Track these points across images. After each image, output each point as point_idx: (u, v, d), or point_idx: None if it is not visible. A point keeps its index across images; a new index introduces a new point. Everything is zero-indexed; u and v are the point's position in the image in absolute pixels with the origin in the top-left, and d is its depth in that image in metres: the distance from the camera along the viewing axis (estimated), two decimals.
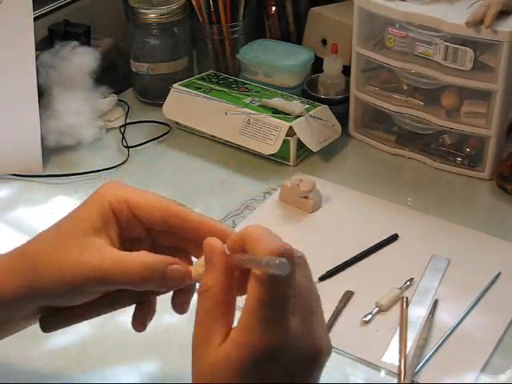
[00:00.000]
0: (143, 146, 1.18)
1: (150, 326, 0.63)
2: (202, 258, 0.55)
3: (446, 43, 1.03)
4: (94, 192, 0.59)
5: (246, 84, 1.22)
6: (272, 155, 1.12)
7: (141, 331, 0.62)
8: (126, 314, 0.63)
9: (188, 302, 0.61)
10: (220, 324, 0.52)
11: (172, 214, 0.59)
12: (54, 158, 1.13)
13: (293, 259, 0.50)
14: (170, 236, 0.60)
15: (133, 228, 0.60)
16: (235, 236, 0.54)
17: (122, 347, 0.82)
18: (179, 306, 0.61)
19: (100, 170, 1.10)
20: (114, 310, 0.62)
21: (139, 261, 0.56)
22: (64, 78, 1.15)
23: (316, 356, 0.51)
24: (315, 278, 0.89)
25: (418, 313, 0.86)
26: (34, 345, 0.81)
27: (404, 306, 0.86)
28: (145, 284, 0.57)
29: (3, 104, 1.08)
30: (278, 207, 1.04)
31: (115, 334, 0.82)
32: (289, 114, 1.12)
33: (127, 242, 0.60)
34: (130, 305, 0.62)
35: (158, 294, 0.61)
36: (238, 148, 1.15)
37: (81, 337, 0.83)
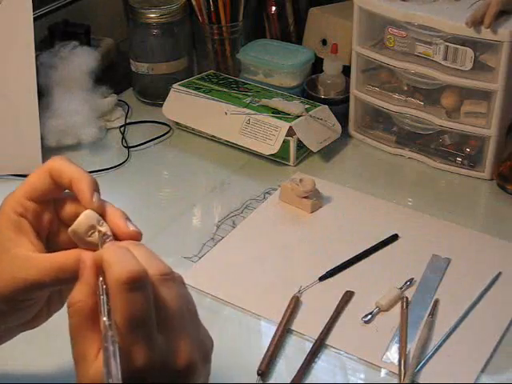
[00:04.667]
0: (143, 146, 1.17)
1: None
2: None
3: (446, 43, 1.03)
4: None
5: (246, 84, 1.22)
6: (272, 155, 1.12)
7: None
8: None
9: None
10: (91, 339, 0.52)
11: (54, 174, 0.62)
12: None
13: (148, 281, 0.51)
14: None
15: (44, 218, 0.61)
16: (97, 255, 0.54)
17: None
18: None
19: (100, 170, 1.10)
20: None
21: (51, 261, 0.58)
22: (64, 78, 1.15)
23: (187, 368, 0.53)
24: (315, 278, 0.91)
25: (418, 313, 0.86)
26: (33, 345, 0.81)
27: (404, 306, 0.86)
28: (59, 280, 0.58)
29: (3, 104, 1.08)
30: (277, 207, 1.04)
31: None
32: (289, 114, 1.12)
33: (51, 239, 0.62)
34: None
35: None
36: (238, 148, 1.15)
37: None
